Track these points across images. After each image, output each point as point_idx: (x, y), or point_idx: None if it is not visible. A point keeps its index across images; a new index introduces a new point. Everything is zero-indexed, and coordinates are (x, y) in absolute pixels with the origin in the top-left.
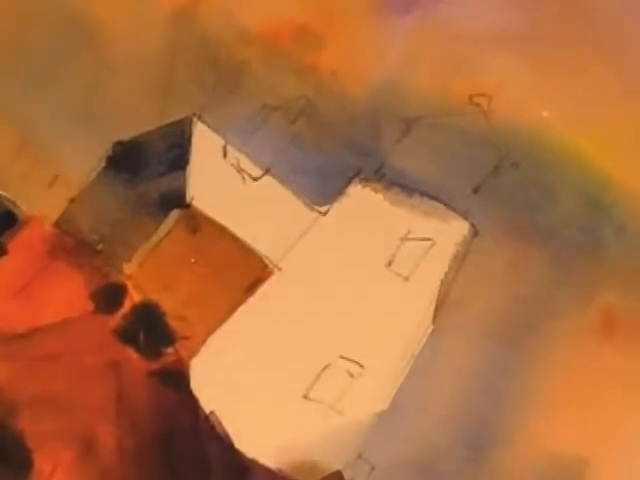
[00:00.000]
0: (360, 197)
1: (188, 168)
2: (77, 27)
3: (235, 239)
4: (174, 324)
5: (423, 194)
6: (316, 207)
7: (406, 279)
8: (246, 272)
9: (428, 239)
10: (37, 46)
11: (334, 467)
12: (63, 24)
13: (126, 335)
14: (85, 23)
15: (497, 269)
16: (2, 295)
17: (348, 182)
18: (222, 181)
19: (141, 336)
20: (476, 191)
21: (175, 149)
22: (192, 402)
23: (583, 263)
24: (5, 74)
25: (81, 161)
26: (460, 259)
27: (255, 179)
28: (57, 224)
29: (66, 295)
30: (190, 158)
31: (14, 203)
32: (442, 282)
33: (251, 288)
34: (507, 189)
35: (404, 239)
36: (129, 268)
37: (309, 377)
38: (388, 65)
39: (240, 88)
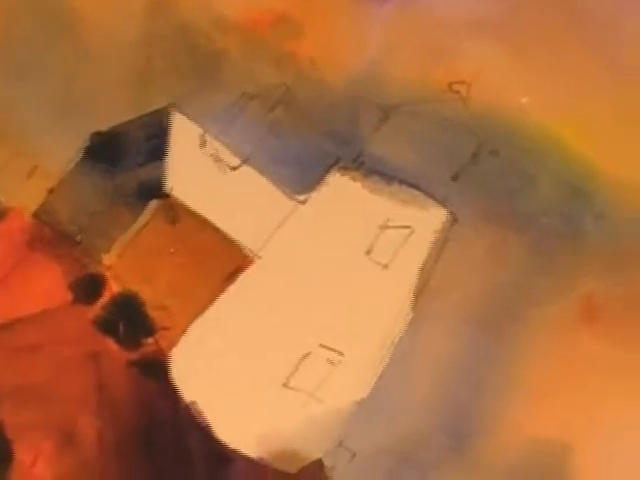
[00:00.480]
0: (339, 185)
1: (167, 158)
2: (55, 17)
3: (214, 229)
4: (154, 314)
5: (402, 182)
6: (295, 196)
7: (385, 267)
8: (226, 261)
9: (407, 227)
10: (13, 36)
11: (315, 455)
12: (40, 14)
13: (106, 326)
14: (63, 13)
15: (476, 256)
16: None
17: (327, 170)
18: (201, 171)
19: (121, 327)
20: (455, 178)
21: (154, 139)
22: (172, 392)
23: (563, 250)
24: None
25: (60, 151)
26: (439, 247)
27: (234, 168)
28: (36, 215)
29: (45, 286)
30: (169, 148)
31: None
32: (421, 270)
33: (231, 277)
34: (486, 176)
35: (383, 227)
36: (108, 259)
37: (289, 366)
38: (367, 53)
39: (218, 76)
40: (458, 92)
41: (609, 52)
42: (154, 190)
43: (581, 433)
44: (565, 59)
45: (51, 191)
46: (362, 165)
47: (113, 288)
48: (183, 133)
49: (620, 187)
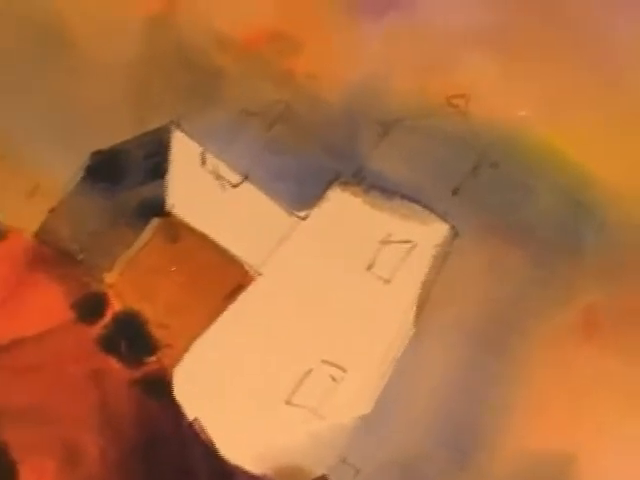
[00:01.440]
0: (339, 201)
1: (167, 176)
2: (53, 36)
3: (215, 246)
4: (156, 332)
5: (403, 197)
6: (296, 212)
7: (387, 282)
8: (227, 279)
9: (408, 241)
10: (12, 54)
11: (318, 472)
12: (39, 33)
13: (108, 344)
14: (61, 32)
15: (478, 270)
16: None
17: (327, 186)
18: (201, 188)
19: (123, 345)
20: (455, 192)
21: (154, 157)
22: (175, 410)
23: (564, 262)
24: None
25: (60, 171)
26: (441, 261)
27: (234, 186)
28: (37, 235)
29: (47, 305)
30: (169, 166)
31: None
32: (423, 284)
33: (232, 294)
34: (486, 190)
35: (384, 242)
36: (110, 277)
37: (292, 382)
38: (365, 68)
39: (217, 94)
40: (457, 106)
41: (607, 63)
42: (155, 208)
43: (584, 445)
44: (563, 71)
45: (52, 210)
46: (363, 180)
47: (115, 306)
48: (183, 151)
49: (620, 198)
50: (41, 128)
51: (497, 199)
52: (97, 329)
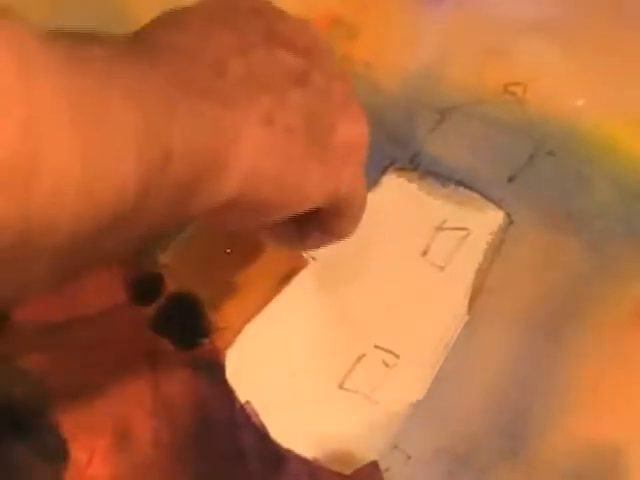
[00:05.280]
0: (395, 187)
1: None
2: None
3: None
4: (210, 314)
5: (458, 183)
6: None
7: (442, 269)
8: (281, 262)
9: (463, 228)
10: None
11: (370, 457)
12: None
13: (162, 325)
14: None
15: (532, 258)
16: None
17: (383, 172)
18: None
19: (176, 327)
20: (511, 180)
21: None
22: (228, 392)
23: (618, 253)
24: None
25: None
26: (495, 248)
27: None
28: None
29: (102, 286)
30: None
31: None
32: (477, 272)
33: (286, 278)
34: (542, 178)
35: (439, 228)
36: (164, 258)
37: (344, 367)
38: (422, 55)
39: None
40: (514, 94)
41: None
42: None
43: (635, 435)
44: (621, 60)
45: None
46: (418, 166)
47: (169, 288)
48: None
49: None
50: None
51: (553, 187)
52: (151, 310)
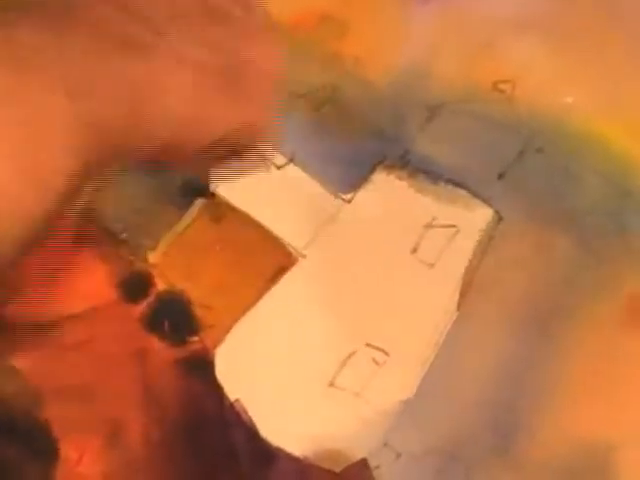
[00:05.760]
0: (385, 184)
1: None
2: None
3: (259, 227)
4: (199, 312)
5: (447, 181)
6: (340, 194)
7: (431, 266)
8: (270, 260)
9: (453, 226)
10: None
11: (360, 455)
12: None
13: (151, 324)
14: None
15: (521, 255)
16: (29, 285)
17: (372, 169)
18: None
19: (166, 325)
20: (501, 177)
21: None
22: (217, 390)
23: (608, 249)
24: None
25: None
26: (484, 245)
27: (279, 167)
28: (82, 213)
29: (92, 284)
30: None
31: None
32: (467, 269)
33: (276, 276)
34: (532, 175)
35: (429, 226)
36: (154, 257)
37: (335, 365)
38: (411, 51)
39: None
40: (503, 91)
41: None
42: (199, 189)
43: (626, 432)
44: (610, 57)
45: (97, 189)
46: (408, 164)
47: (159, 286)
48: None
49: None
50: None
51: (542, 184)
52: (141, 308)
